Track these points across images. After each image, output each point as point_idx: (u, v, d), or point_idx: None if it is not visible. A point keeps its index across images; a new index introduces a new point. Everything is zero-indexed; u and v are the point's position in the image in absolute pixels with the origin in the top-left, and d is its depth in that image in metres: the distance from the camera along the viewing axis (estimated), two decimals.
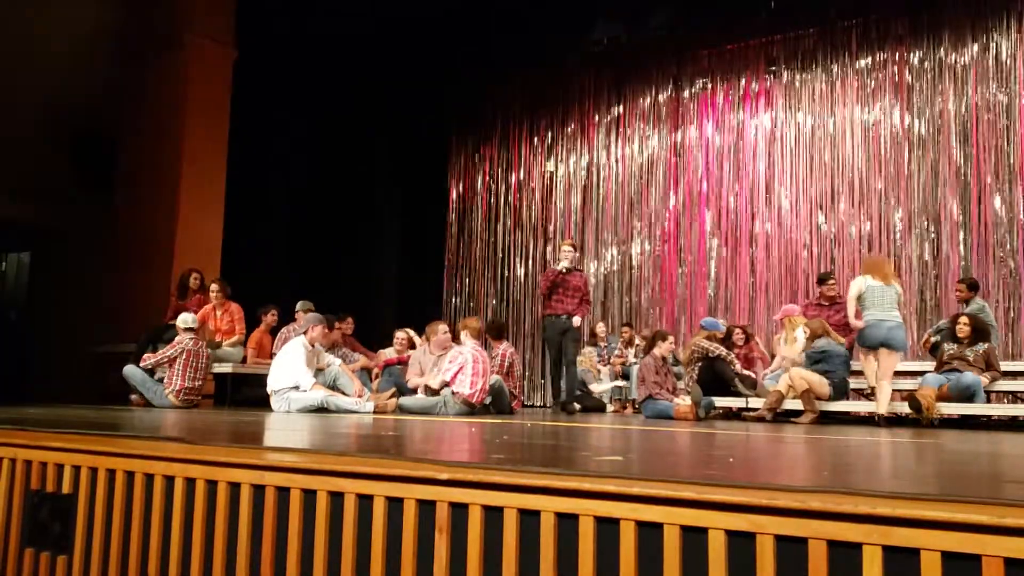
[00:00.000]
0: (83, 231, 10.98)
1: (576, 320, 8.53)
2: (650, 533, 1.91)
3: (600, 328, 11.09)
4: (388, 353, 9.32)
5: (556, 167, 13.25)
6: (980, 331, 7.63)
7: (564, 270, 8.63)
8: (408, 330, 9.35)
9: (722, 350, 8.45)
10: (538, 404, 12.43)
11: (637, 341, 10.11)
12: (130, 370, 7.93)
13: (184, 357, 7.81)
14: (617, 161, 12.80)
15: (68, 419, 4.67)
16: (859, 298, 7.09)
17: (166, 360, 7.83)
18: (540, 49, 12.55)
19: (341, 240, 12.63)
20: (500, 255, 13.65)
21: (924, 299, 10.28)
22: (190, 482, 2.69)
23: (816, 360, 7.64)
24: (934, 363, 7.93)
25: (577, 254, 9.36)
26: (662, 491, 1.90)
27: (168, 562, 2.69)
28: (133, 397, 7.92)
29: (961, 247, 10.09)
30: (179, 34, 10.66)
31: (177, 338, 7.95)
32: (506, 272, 13.53)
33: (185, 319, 8.04)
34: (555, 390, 8.82)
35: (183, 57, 10.61)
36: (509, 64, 12.96)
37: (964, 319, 7.70)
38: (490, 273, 13.74)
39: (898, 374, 8.21)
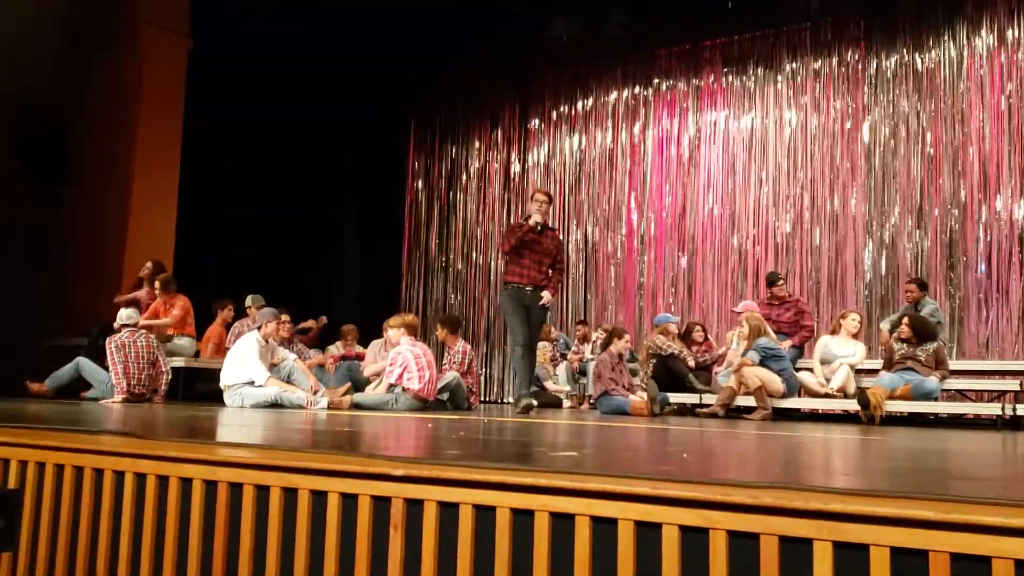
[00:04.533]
0: (33, 224, 10.72)
1: (545, 296, 6.99)
2: (605, 528, 1.92)
3: (552, 331, 11.09)
4: (334, 349, 9.32)
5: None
6: (921, 332, 7.75)
7: (536, 226, 6.96)
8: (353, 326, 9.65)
9: (676, 347, 8.53)
10: (494, 400, 12.42)
11: (594, 337, 10.15)
12: (82, 361, 7.80)
13: (122, 350, 7.63)
14: (576, 157, 12.85)
15: (15, 413, 4.57)
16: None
17: (112, 358, 7.65)
18: (500, 45, 12.57)
19: (298, 235, 12.48)
20: (459, 249, 13.63)
21: (879, 301, 10.43)
22: (140, 477, 2.64)
23: (768, 357, 7.73)
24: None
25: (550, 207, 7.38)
26: (617, 487, 1.90)
27: (117, 559, 2.64)
28: (33, 386, 7.74)
29: (917, 248, 10.25)
30: (132, 23, 10.46)
31: (113, 334, 7.80)
32: (465, 267, 13.50)
33: (121, 315, 7.88)
34: (526, 378, 7.13)
35: (136, 46, 10.43)
36: (469, 60, 12.96)
37: (905, 320, 7.84)
38: (449, 268, 13.72)
39: (858, 372, 8.36)
